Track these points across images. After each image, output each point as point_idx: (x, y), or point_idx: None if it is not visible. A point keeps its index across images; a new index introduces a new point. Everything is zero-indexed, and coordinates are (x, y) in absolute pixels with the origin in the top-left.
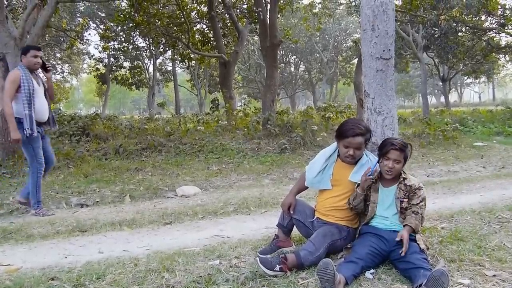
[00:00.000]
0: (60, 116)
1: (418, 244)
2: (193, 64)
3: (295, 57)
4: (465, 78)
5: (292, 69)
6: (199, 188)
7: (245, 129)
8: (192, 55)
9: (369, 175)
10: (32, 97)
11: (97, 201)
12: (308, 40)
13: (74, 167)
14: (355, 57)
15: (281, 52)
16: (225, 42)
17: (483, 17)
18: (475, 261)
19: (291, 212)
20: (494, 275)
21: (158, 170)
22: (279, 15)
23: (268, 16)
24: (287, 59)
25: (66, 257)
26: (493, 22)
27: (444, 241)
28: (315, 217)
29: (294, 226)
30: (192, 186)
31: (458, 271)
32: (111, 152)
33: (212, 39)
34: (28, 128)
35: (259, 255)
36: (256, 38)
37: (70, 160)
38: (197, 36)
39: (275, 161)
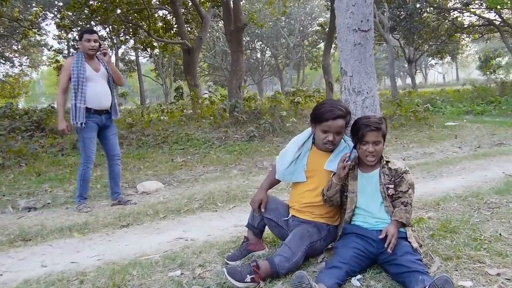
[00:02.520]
0: (12, 111)
1: (410, 242)
2: (157, 53)
3: (261, 43)
4: (430, 59)
5: (259, 55)
6: (161, 183)
7: (212, 118)
8: (154, 43)
9: (346, 161)
10: (82, 85)
11: (48, 203)
12: (273, 25)
13: (26, 166)
14: (321, 41)
15: (247, 38)
16: (188, 28)
17: None
18: (473, 258)
19: (262, 210)
20: (498, 274)
21: None
22: None
23: None
24: (253, 45)
25: (1, 275)
26: (457, 1)
27: (436, 234)
28: (290, 215)
29: (266, 226)
30: (154, 181)
31: (457, 270)
32: (68, 147)
33: (174, 25)
34: (73, 119)
35: (227, 262)
36: (220, 24)
37: (22, 157)
38: (158, 22)
39: (244, 150)
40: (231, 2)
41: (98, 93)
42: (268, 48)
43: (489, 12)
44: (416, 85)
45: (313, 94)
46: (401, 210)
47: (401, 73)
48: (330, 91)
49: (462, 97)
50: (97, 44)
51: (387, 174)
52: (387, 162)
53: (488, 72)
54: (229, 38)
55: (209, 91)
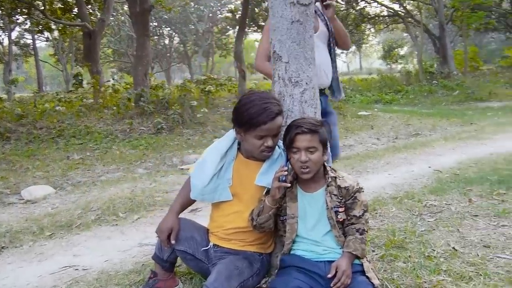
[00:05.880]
0: None
1: (368, 278)
2: (56, 37)
3: (169, 28)
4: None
5: (166, 41)
6: (52, 187)
7: (115, 108)
8: (52, 25)
9: (282, 180)
10: None
11: None
12: (182, 10)
13: None
14: (230, 28)
15: (154, 23)
16: (90, 10)
17: None
18: (437, 286)
19: (173, 242)
20: None
21: (2, 164)
22: None
23: None
24: (160, 31)
25: None
26: None
27: (386, 254)
28: (210, 243)
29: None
30: (43, 186)
31: None
32: None
33: (74, 6)
34: None
35: None
36: (126, 7)
37: None
38: (56, 2)
39: (151, 144)
40: None
41: (317, 63)
42: (176, 34)
43: (394, 3)
44: None
45: (225, 82)
46: (356, 240)
47: None
48: (243, 79)
49: (370, 86)
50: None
51: (335, 194)
52: (335, 177)
53: (390, 62)
54: (135, 21)
55: (113, 79)
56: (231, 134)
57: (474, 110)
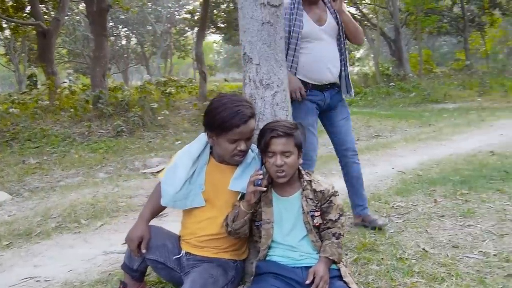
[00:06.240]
0: None
1: (346, 283)
2: (8, 36)
3: (126, 29)
4: None
5: (123, 42)
6: (8, 193)
7: (72, 110)
8: (4, 24)
9: (258, 184)
10: (295, 46)
11: None
12: (140, 10)
13: None
14: (188, 29)
15: (111, 23)
16: (44, 8)
17: None
18: None
19: (143, 251)
20: None
21: None
22: None
23: None
24: (117, 31)
25: None
26: None
27: (359, 258)
28: (183, 251)
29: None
30: None
31: None
32: None
33: (27, 4)
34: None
35: None
36: (82, 7)
37: None
38: (7, 0)
39: (111, 147)
40: None
41: (319, 58)
42: (133, 35)
43: (351, 7)
44: None
45: (186, 84)
46: (332, 245)
47: None
48: (204, 81)
49: None
50: None
51: (311, 198)
52: (310, 181)
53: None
54: (92, 21)
55: (69, 80)
56: (202, 137)
57: (430, 112)
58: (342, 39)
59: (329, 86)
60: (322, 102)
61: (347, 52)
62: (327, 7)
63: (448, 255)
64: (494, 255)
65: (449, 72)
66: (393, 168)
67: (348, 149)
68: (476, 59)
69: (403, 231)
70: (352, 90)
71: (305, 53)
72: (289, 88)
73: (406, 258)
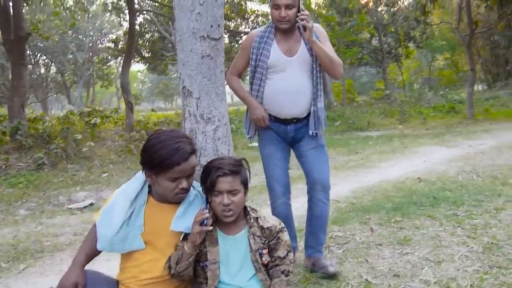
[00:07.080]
0: None
1: None
2: None
3: (45, 57)
4: None
5: (42, 70)
6: None
7: None
8: None
9: (204, 223)
10: (261, 76)
11: None
12: (60, 38)
13: None
14: (111, 58)
15: (28, 51)
16: None
17: (239, 21)
18: None
19: None
20: None
21: None
22: (24, 5)
23: (11, 4)
24: (35, 60)
25: None
26: (248, 26)
27: None
28: None
29: None
30: None
31: None
32: None
33: None
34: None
35: None
36: None
37: None
38: None
39: (31, 181)
40: (11, 8)
41: (283, 91)
42: (53, 63)
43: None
44: None
45: (111, 114)
46: (282, 282)
47: None
48: (131, 111)
49: None
50: (293, 11)
51: (258, 236)
52: (257, 218)
53: None
54: (9, 49)
55: None
56: (140, 176)
57: (356, 139)
58: (315, 72)
59: (294, 120)
60: (284, 134)
61: (321, 86)
62: (301, 37)
63: (390, 285)
64: (435, 282)
65: (370, 101)
66: None
67: (314, 181)
68: (394, 88)
69: (344, 261)
70: (323, 127)
71: (269, 84)
72: (253, 117)
73: None
